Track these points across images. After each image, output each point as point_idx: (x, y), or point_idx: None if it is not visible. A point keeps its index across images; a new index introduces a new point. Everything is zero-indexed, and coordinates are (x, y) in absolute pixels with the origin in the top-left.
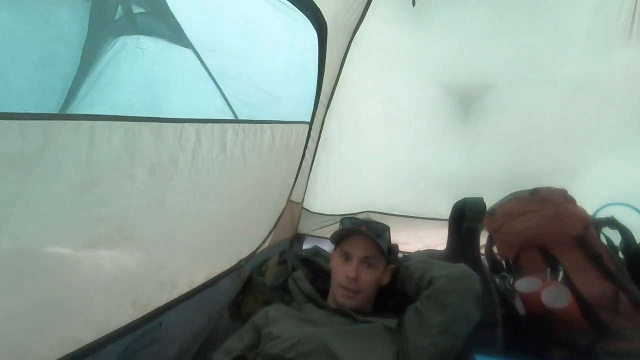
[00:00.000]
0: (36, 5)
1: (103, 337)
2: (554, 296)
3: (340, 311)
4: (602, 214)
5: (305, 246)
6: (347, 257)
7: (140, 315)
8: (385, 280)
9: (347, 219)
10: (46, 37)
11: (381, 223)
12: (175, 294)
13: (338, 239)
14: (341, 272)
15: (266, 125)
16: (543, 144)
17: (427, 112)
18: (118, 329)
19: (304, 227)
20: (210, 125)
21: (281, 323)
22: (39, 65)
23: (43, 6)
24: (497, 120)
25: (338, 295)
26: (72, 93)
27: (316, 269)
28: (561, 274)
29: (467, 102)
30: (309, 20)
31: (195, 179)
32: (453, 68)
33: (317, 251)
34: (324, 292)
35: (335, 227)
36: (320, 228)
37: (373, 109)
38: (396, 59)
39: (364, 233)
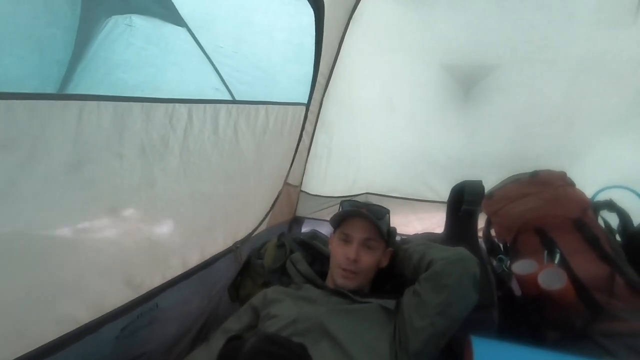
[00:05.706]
0: None
1: (99, 317)
2: (550, 278)
3: (337, 292)
4: (601, 197)
5: (304, 229)
6: (347, 239)
7: (136, 296)
8: (384, 262)
9: (346, 201)
10: (43, 23)
11: (381, 206)
12: (169, 275)
13: (338, 221)
14: (341, 253)
15: (261, 106)
16: (545, 125)
17: (427, 94)
18: (114, 309)
19: (303, 210)
20: (202, 105)
21: (280, 303)
22: (36, 50)
23: None
24: (499, 102)
25: (337, 276)
26: (68, 76)
27: (314, 252)
28: (558, 256)
29: (468, 83)
30: None
31: (187, 159)
32: (455, 48)
33: (315, 234)
34: (322, 275)
35: (334, 209)
36: (319, 210)
37: (372, 90)
38: (396, 39)
39: (364, 215)
